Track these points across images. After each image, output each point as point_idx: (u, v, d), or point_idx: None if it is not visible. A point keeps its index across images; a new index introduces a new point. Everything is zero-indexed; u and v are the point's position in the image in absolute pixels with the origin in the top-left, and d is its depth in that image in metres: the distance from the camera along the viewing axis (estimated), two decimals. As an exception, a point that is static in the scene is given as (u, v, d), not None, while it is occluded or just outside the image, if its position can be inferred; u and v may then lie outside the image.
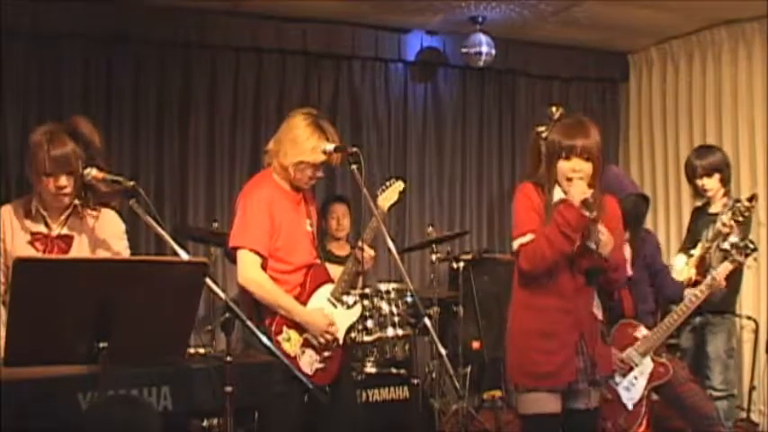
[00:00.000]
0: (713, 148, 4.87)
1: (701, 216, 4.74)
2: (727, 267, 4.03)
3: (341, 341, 3.56)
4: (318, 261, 3.61)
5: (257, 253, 3.38)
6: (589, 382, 3.09)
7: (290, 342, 3.41)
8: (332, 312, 3.54)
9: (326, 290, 3.58)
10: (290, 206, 3.52)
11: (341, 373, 3.57)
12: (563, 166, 3.04)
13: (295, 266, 3.49)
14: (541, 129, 3.17)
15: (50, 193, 2.85)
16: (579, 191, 2.97)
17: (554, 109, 3.19)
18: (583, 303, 3.10)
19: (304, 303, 3.48)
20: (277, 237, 3.43)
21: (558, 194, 3.08)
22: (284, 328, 3.42)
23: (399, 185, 3.92)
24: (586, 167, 3.02)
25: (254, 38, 5.94)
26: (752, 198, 4.56)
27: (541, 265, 3.02)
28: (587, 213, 2.92)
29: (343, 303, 3.62)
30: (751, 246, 4.02)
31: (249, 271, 3.39)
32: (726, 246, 4.10)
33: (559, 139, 3.05)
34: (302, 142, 3.41)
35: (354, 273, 3.72)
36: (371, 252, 3.67)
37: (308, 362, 3.44)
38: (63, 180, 2.82)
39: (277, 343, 3.36)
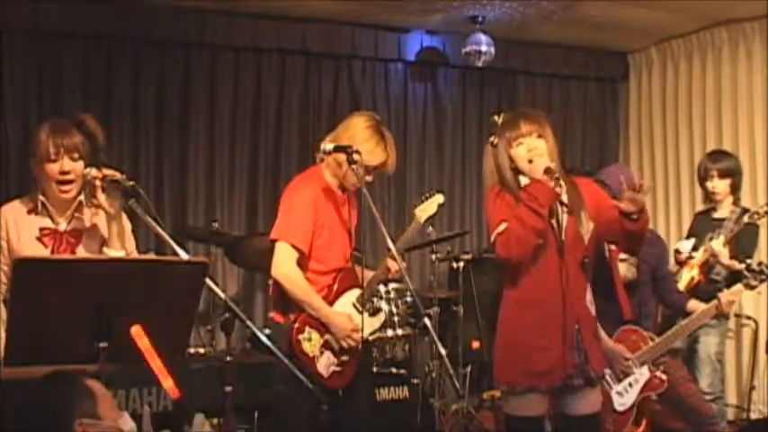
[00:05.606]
0: (728, 153, 4.88)
1: (705, 220, 4.72)
2: (739, 291, 4.05)
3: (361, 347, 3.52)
4: (350, 264, 3.59)
5: (296, 248, 3.37)
6: (584, 379, 3.01)
7: (311, 342, 3.40)
8: (356, 318, 3.51)
9: (353, 294, 3.55)
10: (334, 207, 3.49)
11: (357, 377, 3.55)
12: (519, 152, 3.02)
13: (328, 269, 3.48)
14: (492, 138, 3.12)
15: (54, 180, 2.82)
16: (539, 162, 2.96)
17: (496, 117, 3.15)
18: (577, 296, 3.02)
19: (330, 306, 3.47)
20: (318, 236, 3.42)
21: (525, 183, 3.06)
22: (306, 328, 3.40)
23: (439, 198, 3.77)
24: (541, 144, 3.02)
25: (254, 38, 5.94)
26: None
27: (516, 249, 2.94)
28: (553, 182, 2.91)
29: (367, 310, 3.59)
30: (766, 271, 4.02)
31: (285, 265, 3.37)
32: (741, 268, 4.12)
33: (503, 130, 3.06)
34: (359, 144, 3.35)
35: (381, 281, 3.67)
36: (397, 265, 3.51)
37: (326, 364, 3.42)
38: (67, 164, 2.80)
39: (297, 342, 3.36)
